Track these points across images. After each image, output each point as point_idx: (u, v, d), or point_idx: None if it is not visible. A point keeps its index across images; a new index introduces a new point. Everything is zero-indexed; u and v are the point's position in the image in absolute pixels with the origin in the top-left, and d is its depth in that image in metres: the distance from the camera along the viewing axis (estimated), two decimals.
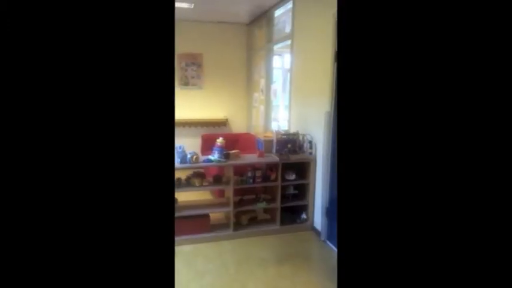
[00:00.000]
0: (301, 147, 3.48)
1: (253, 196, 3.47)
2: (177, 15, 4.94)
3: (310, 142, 3.38)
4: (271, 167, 3.33)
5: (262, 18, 4.99)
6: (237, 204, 3.29)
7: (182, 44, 5.37)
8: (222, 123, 5.76)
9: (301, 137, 3.50)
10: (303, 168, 3.40)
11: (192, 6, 4.54)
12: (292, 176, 3.34)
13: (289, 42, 4.08)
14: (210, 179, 3.27)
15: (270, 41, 4.81)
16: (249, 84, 5.80)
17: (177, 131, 5.46)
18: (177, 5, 4.46)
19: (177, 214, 3.09)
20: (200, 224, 3.16)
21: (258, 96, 5.41)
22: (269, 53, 4.90)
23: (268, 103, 5.03)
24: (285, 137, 3.45)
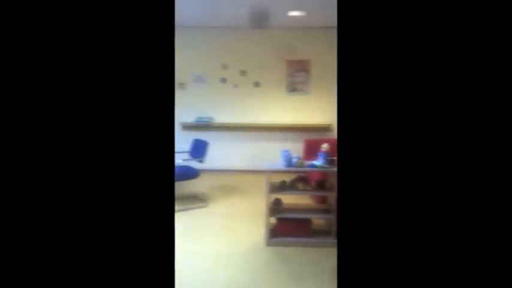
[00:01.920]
0: None
1: None
2: (288, 23, 5.12)
3: None
4: None
5: None
6: None
7: (292, 51, 5.54)
8: (326, 128, 5.72)
9: None
10: None
11: (305, 14, 4.63)
12: None
13: None
14: (313, 184, 3.30)
15: None
16: None
17: (281, 135, 5.65)
18: (289, 13, 4.61)
19: (280, 216, 3.20)
20: (302, 228, 3.21)
21: None
22: None
23: None
24: None
